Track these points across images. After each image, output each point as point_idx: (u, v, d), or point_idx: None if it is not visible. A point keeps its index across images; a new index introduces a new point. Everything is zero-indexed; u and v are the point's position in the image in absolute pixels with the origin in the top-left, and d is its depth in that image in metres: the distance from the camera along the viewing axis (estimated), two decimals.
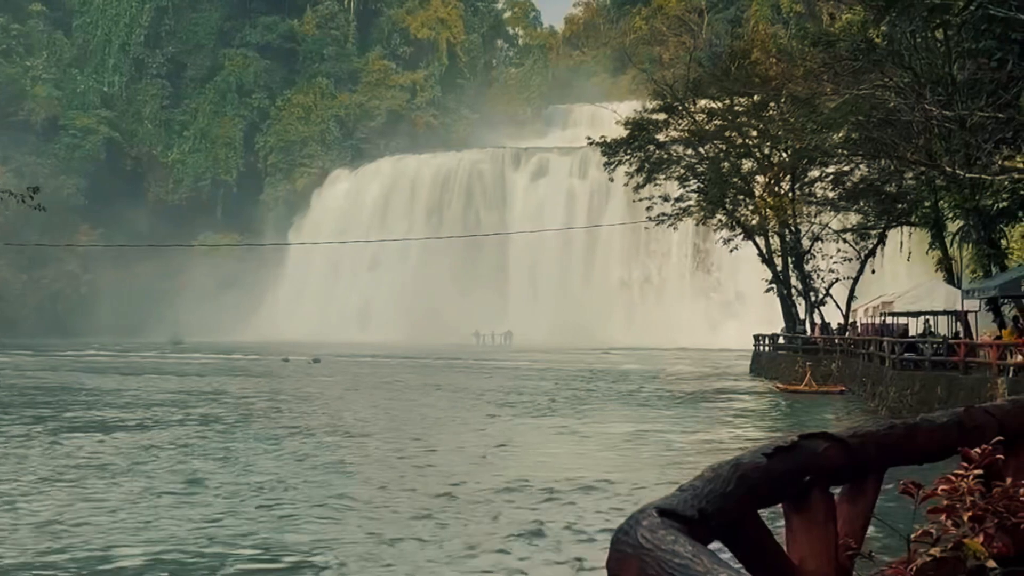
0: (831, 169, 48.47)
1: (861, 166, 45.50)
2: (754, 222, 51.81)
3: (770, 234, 52.55)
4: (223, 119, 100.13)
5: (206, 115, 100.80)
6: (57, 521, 15.41)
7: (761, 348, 56.52)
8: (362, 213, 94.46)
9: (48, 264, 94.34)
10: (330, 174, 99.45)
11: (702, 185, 53.22)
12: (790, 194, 50.67)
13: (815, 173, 50.15)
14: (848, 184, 47.60)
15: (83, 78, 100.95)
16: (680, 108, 52.20)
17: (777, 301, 54.78)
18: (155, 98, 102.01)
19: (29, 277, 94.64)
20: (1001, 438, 3.77)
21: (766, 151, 51.67)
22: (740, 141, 52.24)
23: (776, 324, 55.88)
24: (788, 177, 50.67)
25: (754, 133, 51.66)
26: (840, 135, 42.33)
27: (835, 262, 50.64)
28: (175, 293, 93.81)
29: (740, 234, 53.40)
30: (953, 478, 3.23)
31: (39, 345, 78.30)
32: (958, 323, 38.14)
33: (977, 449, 3.46)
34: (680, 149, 53.78)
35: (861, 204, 47.65)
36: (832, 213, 50.28)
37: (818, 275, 51.55)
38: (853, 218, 50.08)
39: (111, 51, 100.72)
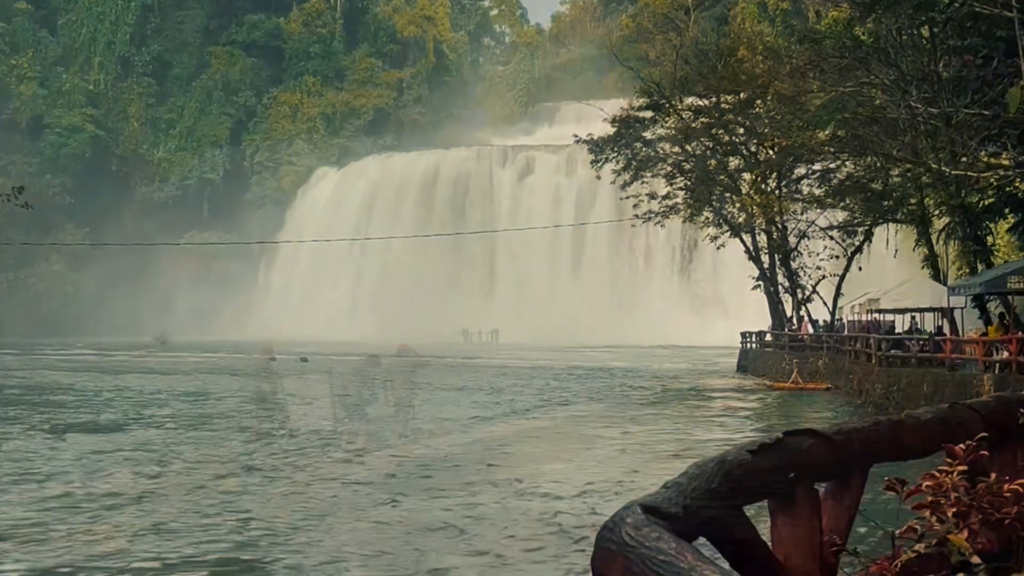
0: (817, 166, 48.59)
1: (847, 163, 45.61)
2: (741, 219, 51.94)
3: (757, 231, 52.68)
4: (209, 117, 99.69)
5: (192, 113, 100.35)
6: None
7: (748, 345, 56.60)
8: (349, 211, 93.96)
9: (34, 263, 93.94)
10: (315, 172, 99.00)
11: (689, 183, 53.32)
12: (777, 191, 50.78)
13: (801, 170, 50.27)
14: (834, 181, 47.70)
15: (69, 76, 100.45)
16: (667, 106, 52.24)
17: (763, 298, 54.88)
18: (141, 96, 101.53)
19: (15, 276, 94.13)
20: (986, 434, 3.78)
21: (753, 148, 51.78)
22: (727, 139, 52.33)
23: (763, 321, 55.97)
24: (774, 174, 50.77)
25: (740, 131, 51.78)
26: (826, 132, 42.49)
27: (822, 259, 50.76)
28: (162, 292, 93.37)
29: (727, 231, 53.48)
30: (938, 474, 3.23)
31: (25, 344, 77.94)
32: (944, 320, 38.28)
33: (962, 445, 3.46)
34: (667, 147, 53.84)
35: (847, 201, 47.72)
36: (818, 210, 50.34)
37: (805, 272, 51.67)
38: (839, 215, 50.15)
39: (96, 49, 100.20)
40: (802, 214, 50.96)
